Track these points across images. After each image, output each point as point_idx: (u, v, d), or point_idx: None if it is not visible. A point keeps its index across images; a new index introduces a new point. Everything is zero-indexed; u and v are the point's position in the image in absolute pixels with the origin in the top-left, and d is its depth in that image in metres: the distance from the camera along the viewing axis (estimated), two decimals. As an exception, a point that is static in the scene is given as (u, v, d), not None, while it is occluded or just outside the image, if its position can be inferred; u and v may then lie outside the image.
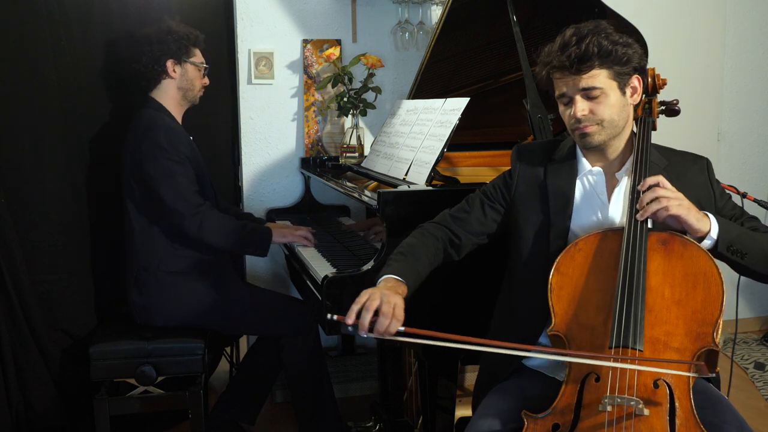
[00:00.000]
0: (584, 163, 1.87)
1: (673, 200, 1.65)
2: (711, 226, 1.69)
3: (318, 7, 3.36)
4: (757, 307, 4.26)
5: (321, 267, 2.38)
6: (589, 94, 1.74)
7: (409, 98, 2.95)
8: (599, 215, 1.84)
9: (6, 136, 2.59)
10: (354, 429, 2.83)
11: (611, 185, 1.84)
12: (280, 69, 3.35)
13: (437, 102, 2.53)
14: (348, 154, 3.17)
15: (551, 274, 1.71)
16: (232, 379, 3.06)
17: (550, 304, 1.69)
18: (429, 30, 3.40)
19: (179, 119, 2.74)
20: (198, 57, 2.75)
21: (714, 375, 1.67)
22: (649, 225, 1.70)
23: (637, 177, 1.77)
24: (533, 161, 1.92)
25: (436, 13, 3.43)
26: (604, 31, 1.74)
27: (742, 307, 4.17)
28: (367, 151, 3.10)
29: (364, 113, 3.26)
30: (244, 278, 3.32)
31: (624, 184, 1.83)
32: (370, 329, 1.59)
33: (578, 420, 1.54)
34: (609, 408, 1.50)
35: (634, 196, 1.74)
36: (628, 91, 1.80)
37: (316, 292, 2.27)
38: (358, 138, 3.21)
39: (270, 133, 3.38)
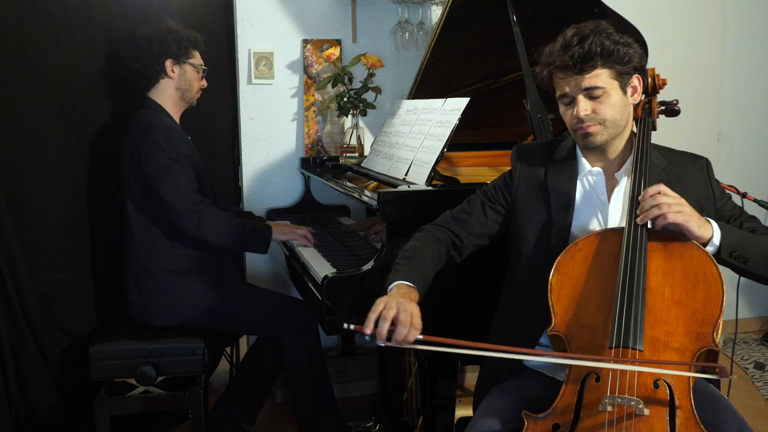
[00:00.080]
0: (584, 164, 1.87)
1: (673, 206, 1.65)
2: (713, 233, 1.69)
3: (318, 7, 3.36)
4: (757, 307, 4.26)
5: (321, 267, 2.38)
6: (591, 93, 1.75)
7: (409, 98, 2.95)
8: (599, 215, 1.84)
9: (6, 136, 2.59)
10: (354, 429, 2.83)
11: (611, 185, 1.85)
12: (280, 69, 3.35)
13: (437, 102, 2.53)
14: (348, 154, 3.17)
15: (551, 274, 1.71)
16: (232, 379, 3.06)
17: (550, 304, 1.69)
18: (429, 30, 3.40)
19: (177, 120, 2.75)
20: (197, 59, 2.76)
21: (734, 377, 1.67)
22: (649, 225, 1.70)
23: (637, 177, 1.77)
24: (533, 162, 1.92)
25: (436, 13, 3.43)
26: (605, 31, 1.75)
27: (742, 307, 4.17)
28: (367, 151, 3.10)
29: (364, 113, 3.26)
30: (244, 278, 3.32)
31: (624, 184, 1.83)
32: (388, 338, 1.58)
33: (578, 420, 1.54)
34: (609, 408, 1.50)
35: (634, 196, 1.73)
36: (629, 90, 1.80)
37: (316, 292, 2.27)
38: (358, 138, 3.21)
39: (270, 133, 3.38)
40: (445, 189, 2.29)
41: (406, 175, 2.44)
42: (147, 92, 2.71)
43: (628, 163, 1.85)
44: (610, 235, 1.74)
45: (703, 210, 1.80)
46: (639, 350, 1.56)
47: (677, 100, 2.10)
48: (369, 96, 3.24)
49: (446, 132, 2.33)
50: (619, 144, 1.85)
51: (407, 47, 3.42)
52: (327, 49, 3.31)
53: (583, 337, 1.64)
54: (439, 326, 2.09)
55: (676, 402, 1.52)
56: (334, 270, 2.28)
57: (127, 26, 2.84)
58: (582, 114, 1.75)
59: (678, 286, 1.64)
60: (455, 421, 2.30)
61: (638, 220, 1.67)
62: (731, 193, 2.43)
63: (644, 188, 1.75)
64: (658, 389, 1.53)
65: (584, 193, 1.86)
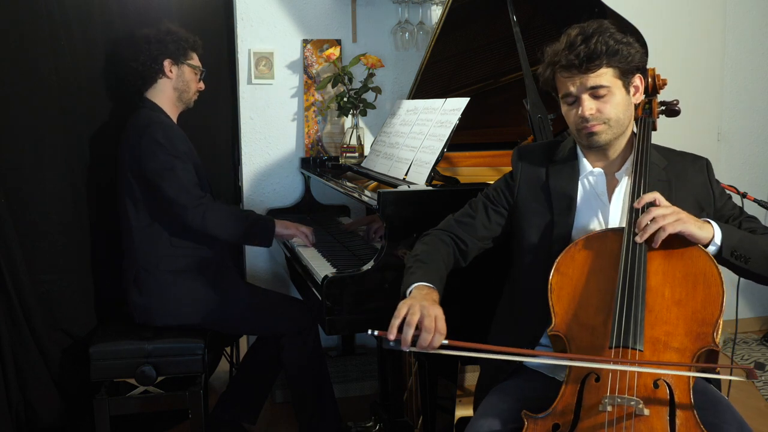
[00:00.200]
0: (585, 164, 1.87)
1: (669, 217, 1.64)
2: (714, 233, 1.69)
3: (318, 7, 3.36)
4: (757, 307, 4.26)
5: (321, 267, 2.38)
6: (596, 93, 1.75)
7: (409, 98, 2.95)
8: (600, 216, 1.84)
9: (6, 136, 2.59)
10: (354, 429, 2.83)
11: (612, 185, 1.85)
12: (280, 69, 3.35)
13: (437, 102, 2.53)
14: (348, 154, 3.17)
15: (551, 274, 1.71)
16: (233, 379, 3.06)
17: (550, 304, 1.68)
18: (429, 30, 3.40)
19: (174, 120, 2.75)
20: (195, 60, 2.77)
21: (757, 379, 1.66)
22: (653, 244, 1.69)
23: (637, 177, 1.77)
24: (534, 163, 1.92)
25: (436, 13, 3.43)
26: (608, 31, 1.76)
27: (742, 307, 4.17)
28: (367, 151, 3.10)
29: (364, 113, 3.26)
30: (244, 278, 3.32)
31: (624, 184, 1.84)
32: (413, 343, 1.56)
33: (578, 420, 1.54)
34: (609, 408, 1.50)
35: (634, 198, 1.74)
36: (632, 90, 1.81)
37: (316, 292, 2.27)
38: (358, 138, 3.21)
39: (270, 133, 3.38)
40: (445, 189, 2.29)
41: (406, 175, 2.44)
42: (145, 92, 2.72)
43: (629, 163, 1.85)
44: (610, 235, 1.74)
45: (703, 210, 1.80)
46: (639, 350, 1.56)
47: (677, 100, 2.10)
48: (369, 96, 3.24)
49: (446, 132, 2.33)
50: (621, 144, 1.85)
51: (407, 47, 3.41)
52: (327, 49, 3.31)
53: (583, 337, 1.64)
54: (447, 327, 2.10)
55: (676, 402, 1.52)
56: (334, 270, 2.28)
57: (127, 26, 2.84)
58: (587, 113, 1.75)
59: (678, 286, 1.64)
60: (455, 421, 2.30)
61: (637, 239, 1.66)
62: (731, 193, 2.43)
63: (644, 189, 1.75)
64: (658, 389, 1.53)
65: (585, 193, 1.86)
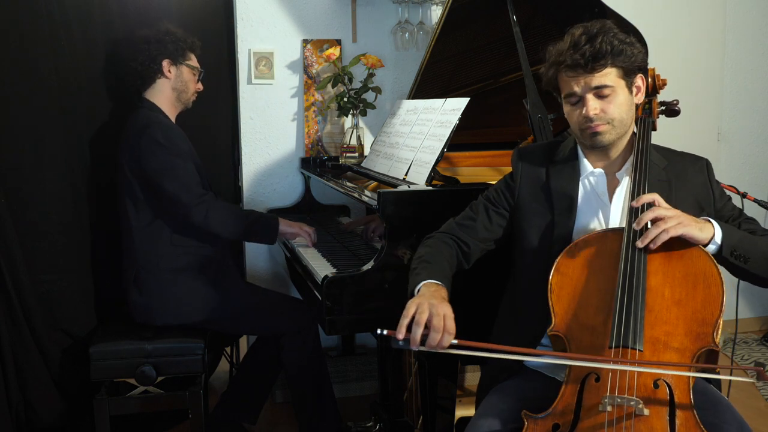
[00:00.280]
0: (586, 164, 1.87)
1: (671, 221, 1.64)
2: (714, 232, 1.69)
3: (318, 7, 3.36)
4: (757, 307, 4.26)
5: (321, 267, 2.38)
6: (600, 92, 1.75)
7: (409, 98, 2.95)
8: (600, 216, 1.84)
9: (6, 136, 2.59)
10: (354, 429, 2.83)
11: (612, 186, 1.85)
12: (280, 69, 3.35)
13: (437, 102, 2.53)
14: (348, 154, 3.17)
15: (551, 274, 1.71)
16: (233, 379, 3.06)
17: (550, 304, 1.69)
18: (429, 30, 3.40)
19: (173, 121, 2.76)
20: (193, 61, 2.78)
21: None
22: (649, 225, 1.69)
23: (637, 177, 1.77)
24: (534, 163, 1.92)
25: (436, 13, 3.43)
26: (612, 30, 1.76)
27: (742, 307, 4.17)
28: (367, 151, 3.10)
29: (364, 113, 3.26)
30: (244, 278, 3.32)
31: (625, 184, 1.84)
32: (422, 343, 1.56)
33: (578, 420, 1.54)
34: (609, 408, 1.50)
35: (634, 196, 1.74)
36: (634, 90, 1.81)
37: (316, 292, 2.27)
38: (358, 138, 3.21)
39: (270, 133, 3.38)
40: (445, 189, 2.29)
41: (406, 175, 2.44)
42: (143, 93, 2.72)
43: (629, 163, 1.85)
44: (610, 235, 1.74)
45: (702, 210, 1.80)
46: (639, 350, 1.56)
47: (677, 101, 2.11)
48: (369, 96, 3.24)
49: (446, 132, 2.33)
50: (622, 144, 1.86)
51: (407, 47, 3.41)
52: (327, 49, 3.31)
53: (583, 337, 1.64)
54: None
55: (676, 402, 1.52)
56: (334, 270, 2.28)
57: (127, 26, 2.84)
58: (591, 113, 1.75)
59: (678, 286, 1.64)
60: (455, 421, 2.30)
61: (638, 243, 1.65)
62: (731, 193, 2.43)
63: (644, 188, 1.75)
64: (658, 389, 1.53)
65: (586, 193, 1.86)
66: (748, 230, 1.81)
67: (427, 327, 1.55)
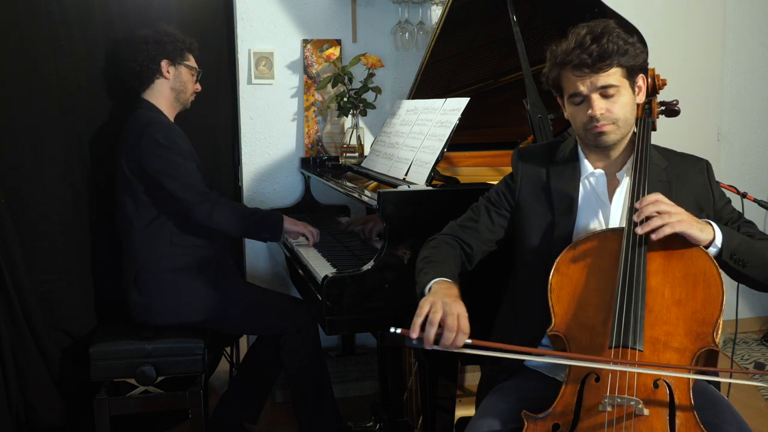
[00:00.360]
0: (586, 165, 1.87)
1: (674, 215, 1.64)
2: (715, 234, 1.69)
3: (318, 7, 3.36)
4: (757, 307, 4.26)
5: (321, 267, 2.38)
6: (606, 92, 1.75)
7: (409, 98, 2.95)
8: (600, 216, 1.84)
9: (6, 136, 2.59)
10: (354, 429, 2.83)
11: (612, 186, 1.85)
12: (280, 69, 3.35)
13: (437, 102, 2.53)
14: (348, 154, 3.17)
15: (551, 274, 1.71)
16: (233, 379, 3.06)
17: (550, 304, 1.68)
18: (429, 30, 3.40)
19: (172, 121, 2.76)
20: (192, 62, 2.78)
21: None
22: (652, 237, 1.69)
23: (637, 177, 1.77)
24: (535, 164, 1.92)
25: (436, 13, 3.43)
26: (615, 30, 1.76)
27: (742, 307, 4.16)
28: (367, 151, 3.10)
29: (364, 113, 3.26)
30: (244, 278, 3.32)
31: (625, 185, 1.84)
32: (436, 342, 1.55)
33: (578, 420, 1.54)
34: (609, 408, 1.50)
35: (634, 197, 1.74)
36: (636, 89, 1.81)
37: (316, 292, 2.27)
38: (358, 138, 3.21)
39: (270, 133, 3.38)
40: (445, 189, 2.29)
41: (406, 175, 2.44)
42: (142, 93, 2.72)
43: (629, 164, 1.85)
44: (609, 235, 1.74)
45: (702, 211, 1.80)
46: (639, 350, 1.56)
47: (677, 101, 2.11)
48: (369, 96, 3.24)
49: (446, 132, 2.33)
50: (622, 144, 1.86)
51: (407, 47, 3.41)
52: (327, 49, 3.31)
53: (582, 337, 1.64)
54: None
55: (676, 402, 1.52)
56: (334, 270, 2.28)
57: (127, 26, 2.84)
58: (597, 113, 1.75)
59: (678, 286, 1.64)
60: (455, 421, 2.30)
61: (638, 230, 1.65)
62: (731, 193, 2.43)
63: (644, 188, 1.75)
64: (658, 389, 1.53)
65: (586, 194, 1.86)
66: (746, 234, 1.81)
67: (440, 326, 1.54)
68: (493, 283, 2.07)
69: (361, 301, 2.15)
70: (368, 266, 2.15)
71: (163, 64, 2.69)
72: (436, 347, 1.55)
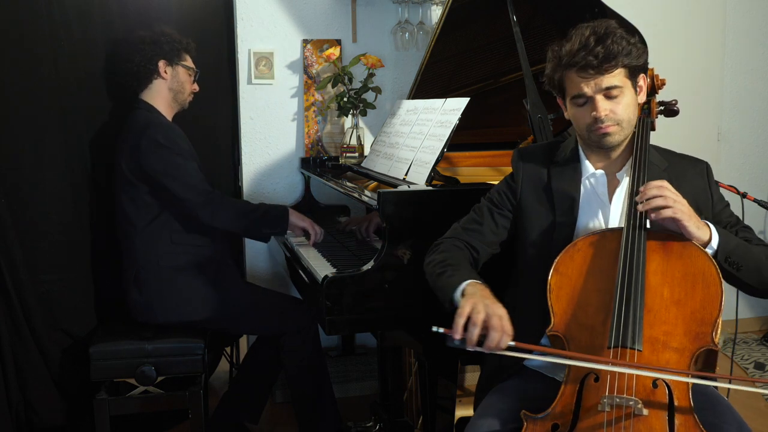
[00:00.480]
0: (587, 165, 1.87)
1: (677, 203, 1.65)
2: (711, 236, 1.69)
3: (318, 7, 3.36)
4: (757, 307, 4.26)
5: (321, 267, 2.38)
6: (610, 93, 1.75)
7: (409, 98, 2.95)
8: (600, 216, 1.84)
9: (6, 136, 2.59)
10: (354, 429, 2.83)
11: (613, 186, 1.85)
12: (280, 69, 3.35)
13: (437, 102, 2.53)
14: (348, 154, 3.17)
15: (550, 274, 1.71)
16: (233, 379, 3.07)
17: (549, 304, 1.69)
18: (429, 30, 3.40)
19: (170, 121, 2.76)
20: (189, 62, 2.78)
21: None
22: (648, 225, 1.70)
23: (636, 177, 1.77)
24: (535, 164, 1.92)
25: (436, 13, 3.43)
26: (617, 31, 1.76)
27: (742, 307, 4.16)
28: (367, 151, 3.10)
29: (364, 113, 3.26)
30: (244, 278, 3.32)
31: (624, 185, 1.84)
32: (479, 343, 1.55)
33: (577, 420, 1.54)
34: (608, 408, 1.50)
35: (633, 195, 1.74)
36: (637, 89, 1.81)
37: (316, 292, 2.27)
38: (358, 138, 3.21)
39: (270, 133, 3.38)
40: (445, 189, 2.29)
41: (406, 175, 2.44)
42: (140, 94, 2.73)
43: (629, 164, 1.85)
44: (608, 235, 1.74)
45: (701, 213, 1.80)
46: (638, 350, 1.56)
47: (676, 100, 2.11)
48: (369, 96, 3.24)
49: (446, 132, 2.33)
50: (623, 144, 1.86)
51: (407, 47, 3.41)
52: (327, 49, 3.31)
53: (582, 337, 1.64)
54: (447, 327, 2.09)
55: (675, 402, 1.52)
56: (334, 270, 2.28)
57: (127, 26, 2.84)
58: (602, 114, 1.75)
59: (677, 286, 1.64)
60: (455, 421, 2.30)
61: (639, 207, 1.66)
62: (731, 193, 2.43)
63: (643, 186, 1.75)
64: (657, 389, 1.53)
65: (587, 194, 1.86)
66: (744, 239, 1.81)
67: (484, 328, 1.54)
68: (493, 284, 2.07)
69: (361, 301, 2.15)
70: (368, 266, 2.15)
71: (161, 64, 2.70)
72: (479, 348, 1.55)
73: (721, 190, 1.99)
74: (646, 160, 1.80)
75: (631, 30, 1.86)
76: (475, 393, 1.98)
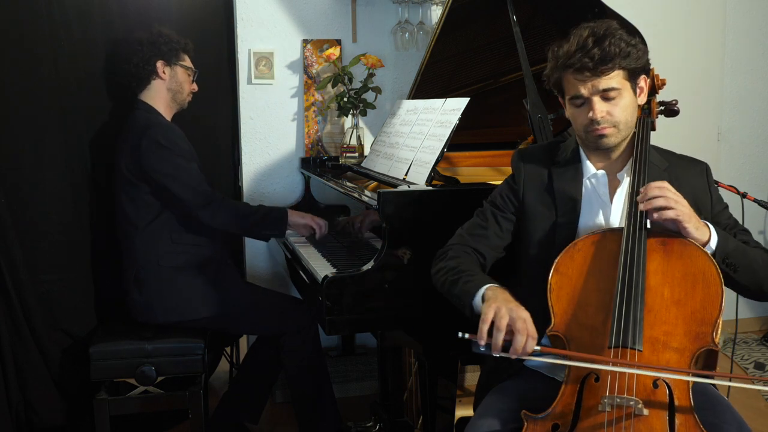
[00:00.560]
0: (588, 166, 1.87)
1: (678, 203, 1.65)
2: (711, 237, 1.69)
3: (318, 7, 3.36)
4: (757, 307, 4.26)
5: (321, 267, 2.38)
6: (607, 95, 1.74)
7: (409, 98, 2.95)
8: (601, 216, 1.84)
9: (6, 136, 2.59)
10: (354, 429, 2.83)
11: (613, 186, 1.85)
12: (280, 69, 3.35)
13: (437, 102, 2.53)
14: (348, 154, 3.17)
15: (551, 274, 1.71)
16: (233, 379, 3.07)
17: (550, 304, 1.68)
18: (429, 30, 3.40)
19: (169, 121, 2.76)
20: (187, 62, 2.78)
21: None
22: (648, 225, 1.70)
23: (637, 177, 1.77)
24: (536, 165, 1.92)
25: (436, 13, 3.43)
26: (618, 32, 1.75)
27: (742, 307, 4.16)
28: (367, 151, 3.10)
29: (364, 113, 3.26)
30: (244, 278, 3.32)
31: (625, 185, 1.84)
32: (504, 348, 1.53)
33: (578, 420, 1.54)
34: (608, 408, 1.50)
35: (633, 195, 1.74)
36: (637, 91, 1.81)
37: (316, 292, 2.27)
38: (358, 138, 3.21)
39: (270, 133, 3.38)
40: (445, 189, 2.29)
41: (406, 175, 2.44)
42: (139, 94, 2.73)
43: (630, 164, 1.85)
44: (609, 235, 1.74)
45: (700, 213, 1.80)
46: (638, 350, 1.56)
47: (676, 100, 2.10)
48: (369, 96, 3.24)
49: (446, 132, 2.33)
50: (623, 145, 1.86)
51: (407, 47, 3.41)
52: (327, 49, 3.31)
53: (582, 337, 1.64)
54: (448, 327, 2.09)
55: (676, 402, 1.52)
56: (334, 270, 2.28)
57: (127, 26, 2.85)
58: (598, 116, 1.74)
59: (677, 286, 1.64)
60: (455, 421, 2.30)
61: (641, 207, 1.66)
62: (731, 193, 2.43)
63: (643, 186, 1.75)
64: (658, 389, 1.53)
65: (588, 194, 1.86)
66: (741, 241, 1.81)
67: (508, 332, 1.53)
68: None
69: (361, 301, 2.15)
70: (368, 266, 2.15)
71: (159, 65, 2.70)
72: (504, 354, 1.53)
73: (721, 190, 1.99)
74: (647, 161, 1.80)
75: (631, 31, 1.86)
76: (475, 393, 1.98)
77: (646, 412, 1.49)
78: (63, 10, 2.69)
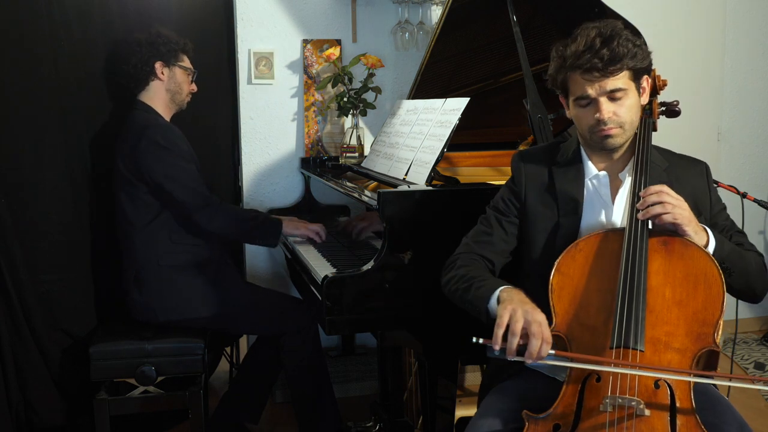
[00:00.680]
0: (590, 166, 1.87)
1: (677, 208, 1.65)
2: (709, 241, 1.69)
3: (318, 7, 3.35)
4: (757, 307, 4.26)
5: (321, 267, 2.38)
6: (614, 95, 1.74)
7: (409, 98, 2.95)
8: (603, 217, 1.84)
9: (6, 136, 2.59)
10: (354, 429, 2.83)
11: (615, 186, 1.85)
12: (280, 69, 3.35)
13: (437, 102, 2.53)
14: (348, 154, 3.17)
15: (552, 274, 1.71)
16: (233, 379, 3.06)
17: (551, 304, 1.68)
18: (429, 30, 3.39)
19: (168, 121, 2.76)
20: (186, 62, 2.78)
21: None
22: (650, 226, 1.70)
23: (638, 176, 1.77)
24: (537, 166, 1.92)
25: (436, 13, 3.43)
26: (623, 33, 1.75)
27: (742, 307, 4.16)
28: (367, 151, 3.10)
29: (364, 113, 3.25)
30: (244, 278, 3.32)
31: (627, 185, 1.84)
32: (519, 353, 1.52)
33: (579, 420, 1.54)
34: (610, 408, 1.50)
35: (635, 195, 1.74)
36: (641, 91, 1.81)
37: (316, 292, 2.27)
38: (358, 138, 3.20)
39: (270, 133, 3.38)
40: (445, 189, 2.28)
41: (406, 175, 2.43)
42: (138, 95, 2.73)
43: (632, 164, 1.85)
44: (610, 235, 1.74)
45: (700, 214, 1.80)
46: (640, 350, 1.56)
47: (677, 101, 2.10)
48: (369, 96, 3.24)
49: (446, 132, 2.32)
50: (625, 145, 1.86)
51: (407, 47, 3.41)
52: (327, 49, 3.31)
53: (583, 337, 1.64)
54: (448, 327, 2.09)
55: (677, 403, 1.52)
56: (334, 270, 2.27)
57: (127, 27, 2.84)
58: (606, 116, 1.74)
59: (679, 287, 1.64)
60: (455, 421, 2.30)
61: (639, 215, 1.66)
62: (731, 193, 2.43)
63: (645, 186, 1.75)
64: (659, 390, 1.53)
65: (590, 195, 1.86)
66: (736, 243, 1.81)
67: (523, 336, 1.52)
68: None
69: (361, 301, 2.14)
70: (368, 266, 2.15)
71: (157, 65, 2.70)
72: (519, 358, 1.53)
73: (721, 190, 1.99)
74: (648, 161, 1.80)
75: (634, 32, 1.86)
76: (479, 393, 1.98)
77: (647, 412, 1.49)
78: (63, 10, 2.69)
